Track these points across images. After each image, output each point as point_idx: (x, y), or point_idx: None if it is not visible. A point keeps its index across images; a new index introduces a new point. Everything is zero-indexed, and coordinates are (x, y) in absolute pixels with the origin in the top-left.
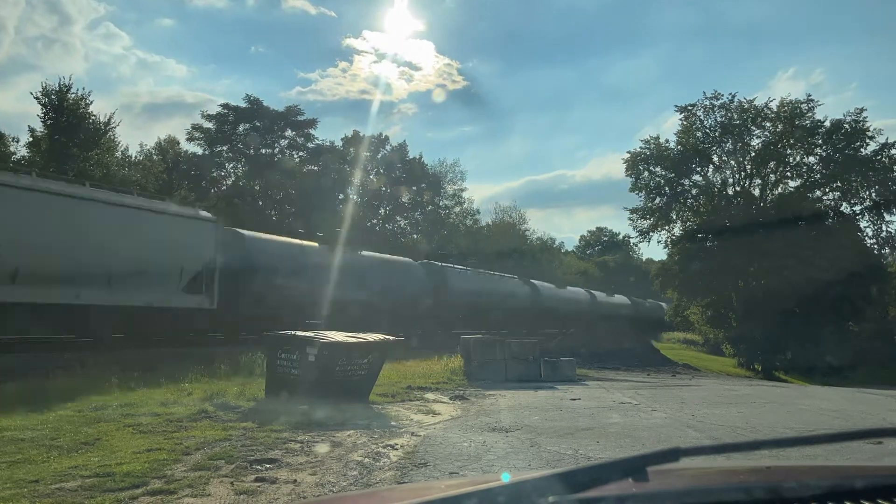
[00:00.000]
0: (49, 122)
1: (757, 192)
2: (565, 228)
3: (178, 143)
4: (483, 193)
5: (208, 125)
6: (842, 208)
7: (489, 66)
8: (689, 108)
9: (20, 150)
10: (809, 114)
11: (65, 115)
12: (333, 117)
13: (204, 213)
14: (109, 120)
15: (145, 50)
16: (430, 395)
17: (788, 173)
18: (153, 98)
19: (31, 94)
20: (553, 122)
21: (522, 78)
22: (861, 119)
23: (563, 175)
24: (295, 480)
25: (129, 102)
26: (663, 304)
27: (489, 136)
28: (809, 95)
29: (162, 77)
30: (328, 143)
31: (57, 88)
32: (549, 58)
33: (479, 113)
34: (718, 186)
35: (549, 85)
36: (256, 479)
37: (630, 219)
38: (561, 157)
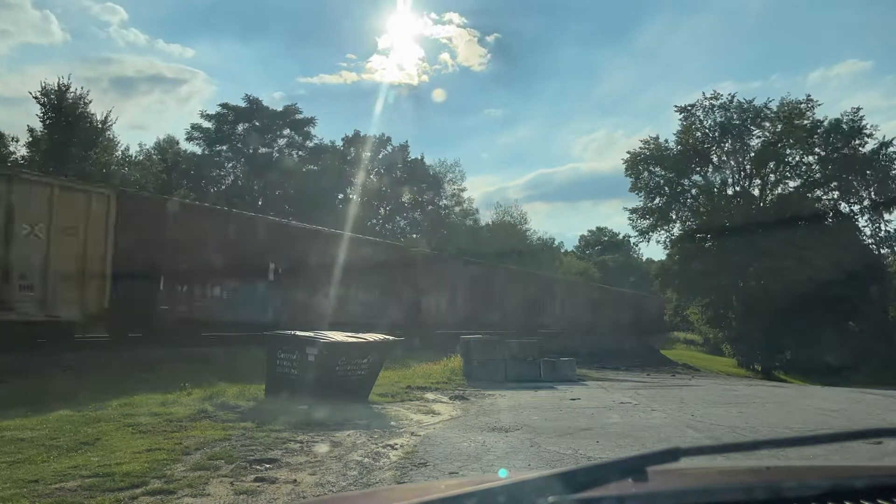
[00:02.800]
0: (48, 121)
1: (757, 192)
2: (573, 223)
3: (178, 142)
4: (493, 186)
5: (207, 125)
6: (841, 208)
7: (516, 37)
8: (689, 108)
9: (20, 150)
10: (809, 113)
11: (63, 114)
12: (347, 105)
13: None
14: (107, 118)
15: (121, 16)
16: (429, 395)
17: (788, 173)
18: (122, 70)
19: (30, 93)
20: (572, 107)
21: (547, 53)
22: (858, 118)
23: (574, 168)
24: (295, 480)
25: (95, 76)
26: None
27: (506, 123)
28: (809, 95)
29: (133, 47)
30: (329, 143)
31: (56, 88)
32: (581, 25)
33: (498, 98)
34: (718, 186)
35: (577, 59)
36: (256, 479)
37: (630, 219)
38: (575, 147)
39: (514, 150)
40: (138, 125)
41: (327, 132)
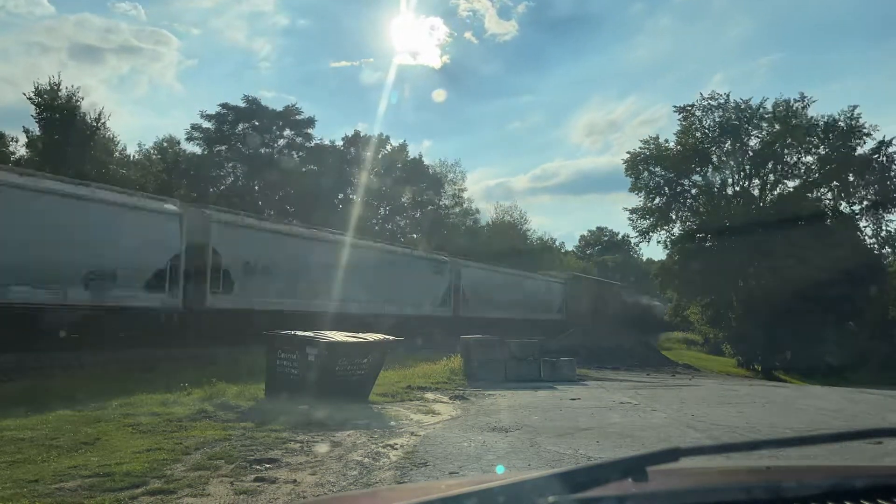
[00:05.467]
0: (43, 121)
1: (756, 191)
2: (577, 217)
3: (178, 142)
4: (499, 179)
5: (207, 125)
6: (840, 208)
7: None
8: (688, 108)
9: (19, 150)
10: (804, 112)
11: (57, 113)
12: (358, 94)
13: None
14: (99, 116)
15: None
16: (429, 395)
17: (787, 173)
18: (81, 35)
19: (25, 94)
20: (585, 95)
21: (576, 22)
22: (855, 117)
23: (582, 161)
24: (295, 480)
25: (50, 44)
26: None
27: (519, 112)
28: (803, 93)
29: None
30: (329, 143)
31: (49, 88)
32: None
33: (515, 84)
34: (718, 186)
35: (600, 36)
36: (256, 479)
37: (630, 219)
38: (581, 139)
39: (522, 142)
40: (108, 108)
41: (333, 123)
